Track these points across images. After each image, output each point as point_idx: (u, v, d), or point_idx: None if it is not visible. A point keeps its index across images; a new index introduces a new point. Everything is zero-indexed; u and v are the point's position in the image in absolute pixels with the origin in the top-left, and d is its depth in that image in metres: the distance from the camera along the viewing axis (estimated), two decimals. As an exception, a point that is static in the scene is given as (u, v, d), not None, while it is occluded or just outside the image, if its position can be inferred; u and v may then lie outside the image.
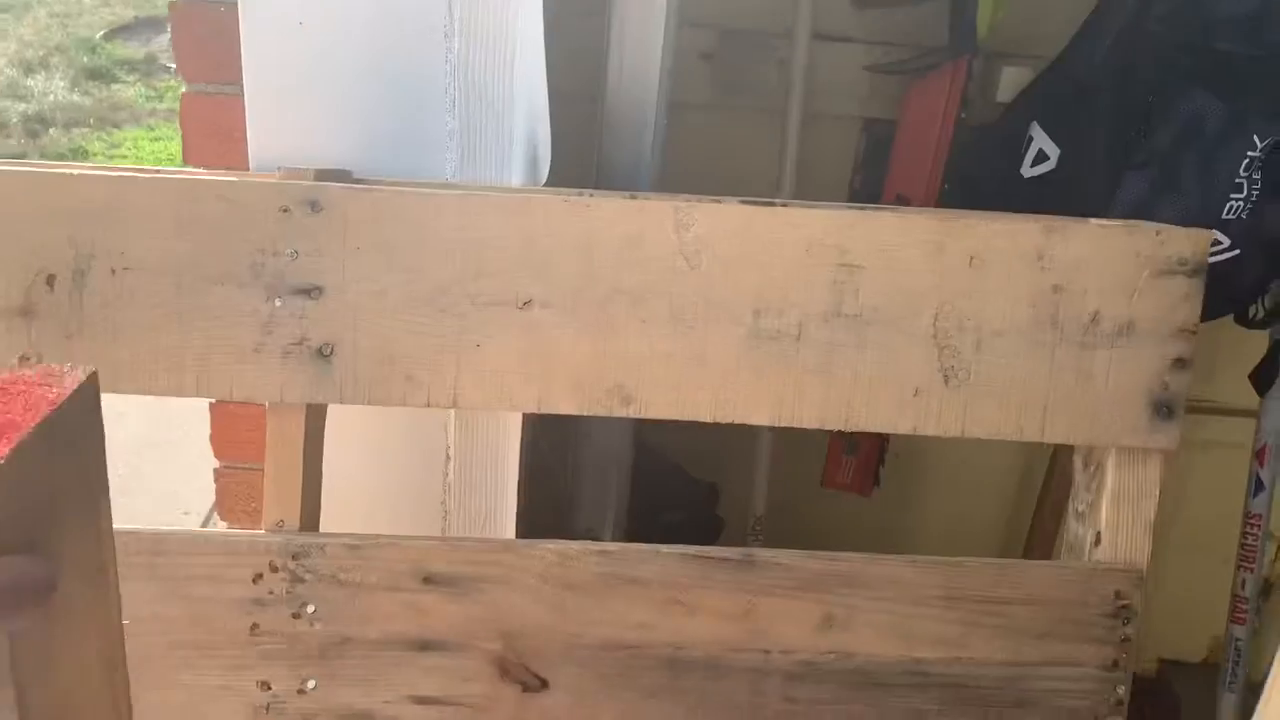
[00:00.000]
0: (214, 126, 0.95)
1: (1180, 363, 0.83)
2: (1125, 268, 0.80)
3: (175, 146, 5.24)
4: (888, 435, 1.56)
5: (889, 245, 0.80)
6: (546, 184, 0.90)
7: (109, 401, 0.47)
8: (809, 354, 0.81)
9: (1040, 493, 1.65)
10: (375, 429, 0.97)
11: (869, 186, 1.57)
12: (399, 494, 1.02)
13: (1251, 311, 1.46)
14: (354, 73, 0.87)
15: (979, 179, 1.45)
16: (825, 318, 0.80)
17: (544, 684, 0.85)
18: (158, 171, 0.82)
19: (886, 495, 1.65)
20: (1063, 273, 0.80)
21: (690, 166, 1.21)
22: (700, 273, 0.80)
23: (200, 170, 0.92)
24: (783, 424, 0.82)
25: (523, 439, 0.97)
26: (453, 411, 0.96)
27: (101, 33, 6.94)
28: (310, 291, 0.79)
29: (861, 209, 0.82)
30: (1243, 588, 1.54)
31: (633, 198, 0.82)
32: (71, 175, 0.79)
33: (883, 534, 1.73)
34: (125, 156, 5.08)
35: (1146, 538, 0.85)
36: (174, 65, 6.24)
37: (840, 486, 1.60)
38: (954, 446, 1.62)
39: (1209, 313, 1.32)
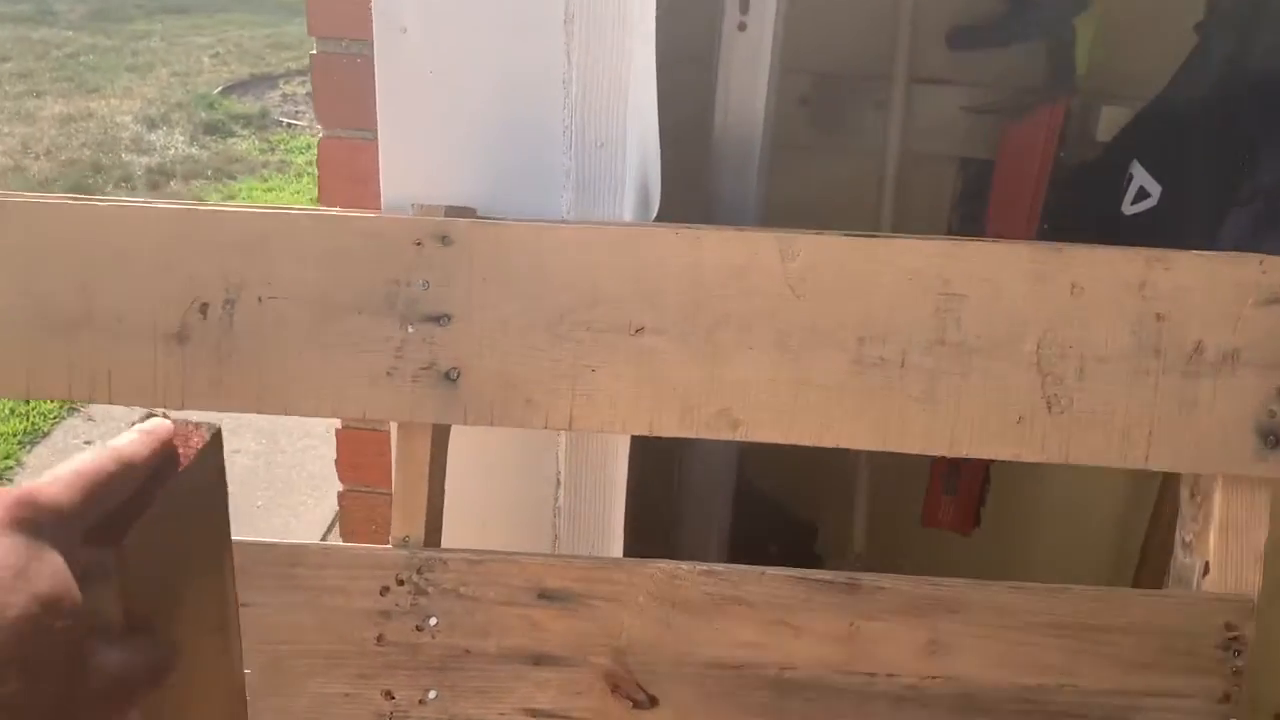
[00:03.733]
0: (348, 169, 1.02)
1: (1289, 392, 0.83)
2: (1228, 297, 0.81)
3: (287, 196, 5.48)
4: (989, 474, 1.56)
5: (991, 274, 0.83)
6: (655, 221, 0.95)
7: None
8: (912, 381, 0.83)
9: (1148, 527, 1.63)
10: (490, 453, 1.02)
11: (966, 225, 1.59)
12: (511, 516, 1.06)
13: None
14: (479, 117, 0.93)
15: (1079, 218, 1.45)
16: (928, 345, 0.83)
17: (653, 701, 0.88)
18: (301, 209, 0.89)
19: (986, 533, 1.64)
20: (1165, 301, 0.81)
21: (790, 207, 1.24)
22: (805, 301, 0.83)
23: (338, 209, 0.99)
24: (887, 449, 0.84)
25: (630, 465, 1.01)
26: (564, 438, 1.01)
27: (218, 89, 7.31)
28: (440, 319, 0.85)
29: (960, 240, 0.85)
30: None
31: (739, 230, 0.86)
32: (224, 212, 0.86)
33: (983, 572, 1.72)
34: (239, 206, 5.32)
35: (1257, 568, 0.85)
36: (285, 120, 6.51)
37: (940, 525, 1.60)
38: (1055, 483, 1.61)
39: None
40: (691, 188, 1.06)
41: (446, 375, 0.86)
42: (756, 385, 0.84)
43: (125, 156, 5.83)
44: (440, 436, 0.89)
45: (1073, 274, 0.82)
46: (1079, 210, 1.45)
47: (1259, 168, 1.25)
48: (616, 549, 1.04)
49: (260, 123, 6.67)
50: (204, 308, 0.86)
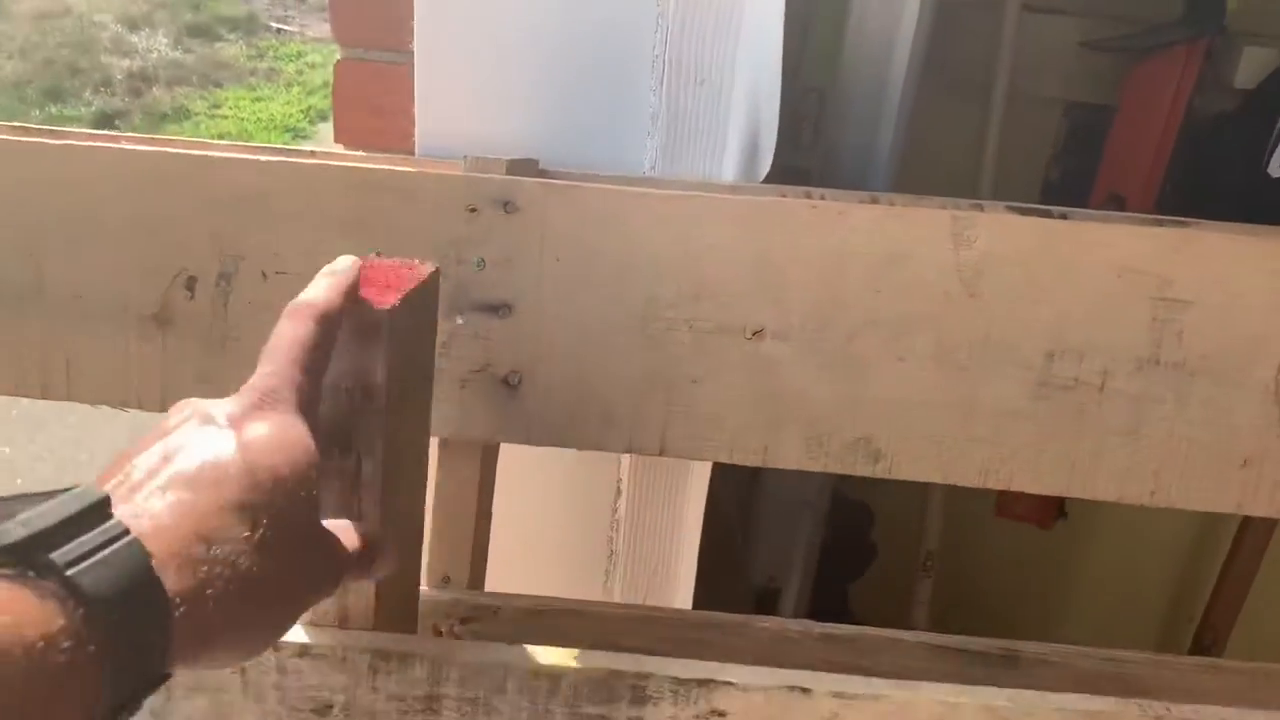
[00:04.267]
0: (372, 100, 0.81)
1: None
2: None
3: (277, 107, 5.19)
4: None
5: (1226, 275, 0.63)
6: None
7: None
8: (1114, 409, 0.64)
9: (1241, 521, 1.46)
10: (531, 477, 0.82)
11: (1069, 180, 1.38)
12: (557, 524, 0.87)
13: None
14: (545, 39, 0.72)
15: (1213, 178, 1.25)
16: (1139, 365, 0.64)
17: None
18: (315, 155, 0.68)
19: (1066, 527, 1.47)
20: None
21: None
22: (980, 302, 0.64)
23: (362, 155, 0.78)
24: (1072, 495, 0.66)
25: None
26: (626, 461, 0.81)
27: (204, -11, 6.93)
28: (498, 309, 0.65)
29: (1187, 225, 0.65)
30: None
31: (892, 204, 0.66)
32: (214, 158, 0.65)
33: (1064, 570, 1.55)
34: (227, 117, 5.04)
35: None
36: (275, 24, 6.18)
37: (1018, 517, 1.42)
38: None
39: None
40: (809, 141, 0.85)
41: (505, 381, 0.66)
42: (909, 409, 0.65)
43: (105, 59, 5.50)
44: (490, 457, 0.70)
45: (1329, 277, 0.63)
46: (1214, 169, 1.25)
47: None
48: (688, 579, 0.85)
49: (248, 26, 6.32)
50: (191, 282, 0.65)
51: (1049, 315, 0.64)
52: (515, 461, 0.72)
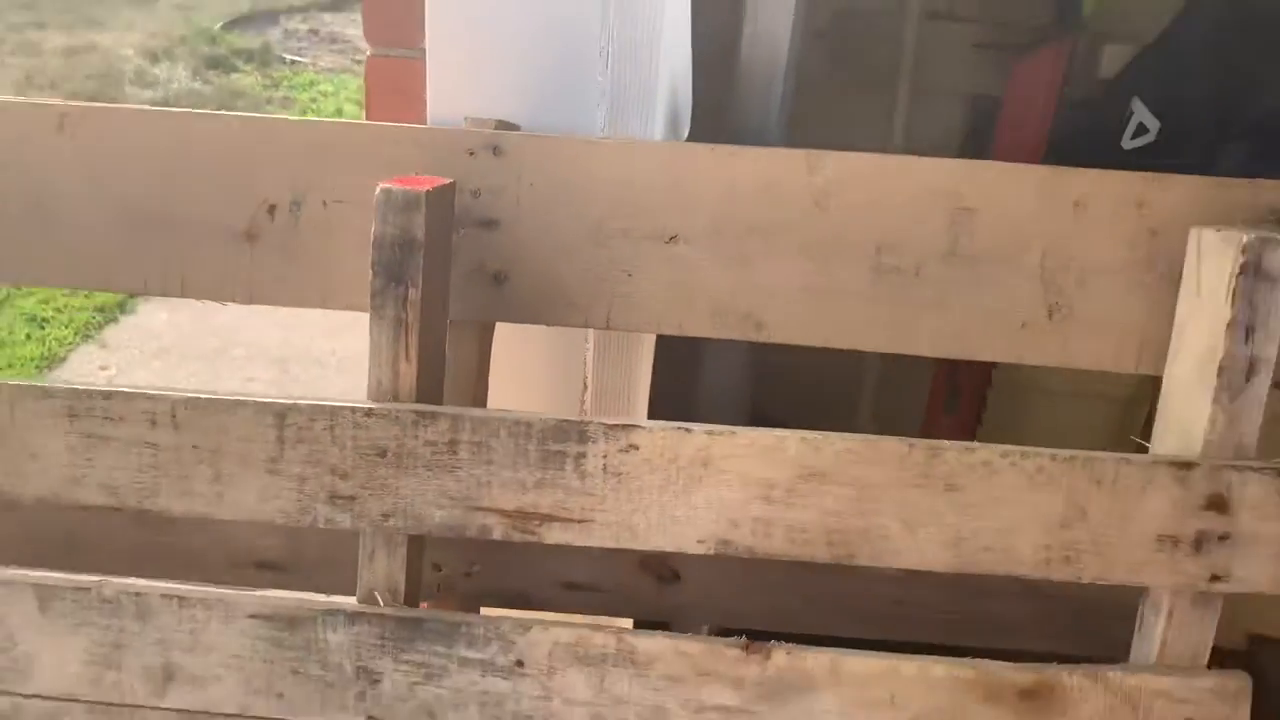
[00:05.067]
0: (395, 86, 1.08)
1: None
2: (1220, 216, 0.88)
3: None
4: (986, 396, 1.64)
5: (1000, 192, 0.90)
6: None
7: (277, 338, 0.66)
8: (927, 289, 0.90)
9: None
10: (520, 357, 1.09)
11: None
12: (540, 390, 1.13)
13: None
14: (522, 37, 0.99)
15: (1081, 152, 1.52)
16: (942, 256, 0.90)
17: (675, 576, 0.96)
18: (362, 122, 0.95)
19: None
20: (1160, 219, 0.88)
21: (804, 137, 1.30)
22: (829, 214, 0.90)
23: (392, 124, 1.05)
24: (901, 351, 0.92)
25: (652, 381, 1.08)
26: (592, 346, 1.08)
27: (220, 24, 7.27)
28: (489, 224, 0.92)
29: (976, 161, 0.91)
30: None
31: (769, 149, 0.93)
32: (291, 122, 0.93)
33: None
34: (245, 140, 5.34)
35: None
36: (288, 56, 6.46)
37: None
38: (1050, 408, 1.69)
39: None
40: (717, 118, 1.12)
41: (495, 277, 0.93)
42: (781, 291, 0.92)
43: (129, 89, 5.81)
44: (486, 333, 0.96)
45: (1076, 193, 0.89)
46: (1082, 146, 1.52)
47: (1254, 104, 1.32)
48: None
49: (263, 58, 6.65)
50: (272, 209, 0.92)
51: (879, 222, 0.90)
52: (508, 342, 0.99)
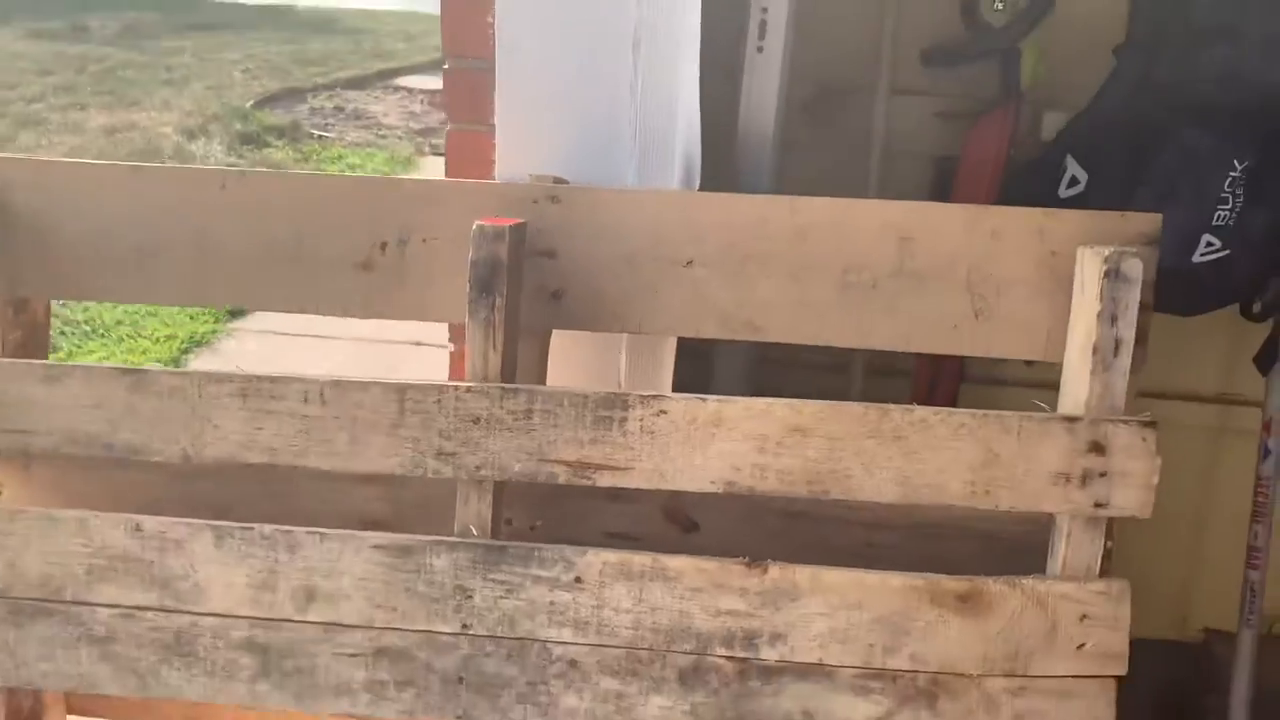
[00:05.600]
0: (469, 153, 1.38)
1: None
2: (1100, 239, 1.16)
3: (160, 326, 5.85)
4: (958, 388, 1.92)
5: (935, 225, 1.18)
6: (697, 190, 1.31)
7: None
8: (881, 299, 1.19)
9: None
10: (572, 356, 1.37)
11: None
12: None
13: (1255, 307, 1.79)
14: (571, 113, 1.29)
15: (1024, 201, 1.81)
16: (892, 274, 1.19)
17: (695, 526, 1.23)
18: (454, 180, 1.25)
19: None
20: (1057, 242, 1.17)
21: (792, 191, 1.60)
22: (807, 243, 1.19)
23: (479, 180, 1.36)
24: (862, 346, 1.20)
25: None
26: (624, 346, 1.36)
27: (250, 102, 7.70)
28: (549, 254, 1.21)
29: (916, 203, 1.21)
30: (1255, 539, 1.85)
31: (762, 196, 1.22)
32: (398, 180, 1.23)
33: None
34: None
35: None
36: (317, 132, 6.83)
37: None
38: (1009, 395, 1.95)
39: (1214, 304, 1.68)
40: (720, 176, 1.43)
41: (553, 295, 1.22)
42: (773, 303, 1.20)
43: (170, 165, 6.20)
44: (545, 339, 1.25)
45: (993, 225, 1.18)
46: (1025, 195, 1.81)
47: (1159, 158, 1.62)
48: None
49: (293, 134, 7.06)
50: (384, 246, 1.22)
51: (844, 249, 1.19)
52: (561, 344, 1.28)
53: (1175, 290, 1.66)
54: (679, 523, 1.24)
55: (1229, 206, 1.56)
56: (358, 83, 8.79)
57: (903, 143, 1.88)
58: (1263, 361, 1.80)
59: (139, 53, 9.03)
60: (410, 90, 8.65)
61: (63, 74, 8.21)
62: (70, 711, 1.35)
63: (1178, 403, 2.10)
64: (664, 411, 1.08)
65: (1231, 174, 1.54)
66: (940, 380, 1.90)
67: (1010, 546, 1.22)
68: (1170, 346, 2.03)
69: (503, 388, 1.09)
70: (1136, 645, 2.54)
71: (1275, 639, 2.19)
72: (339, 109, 8.01)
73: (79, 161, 1.29)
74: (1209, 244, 1.57)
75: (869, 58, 1.85)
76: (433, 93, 7.99)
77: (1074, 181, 1.73)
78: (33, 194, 1.25)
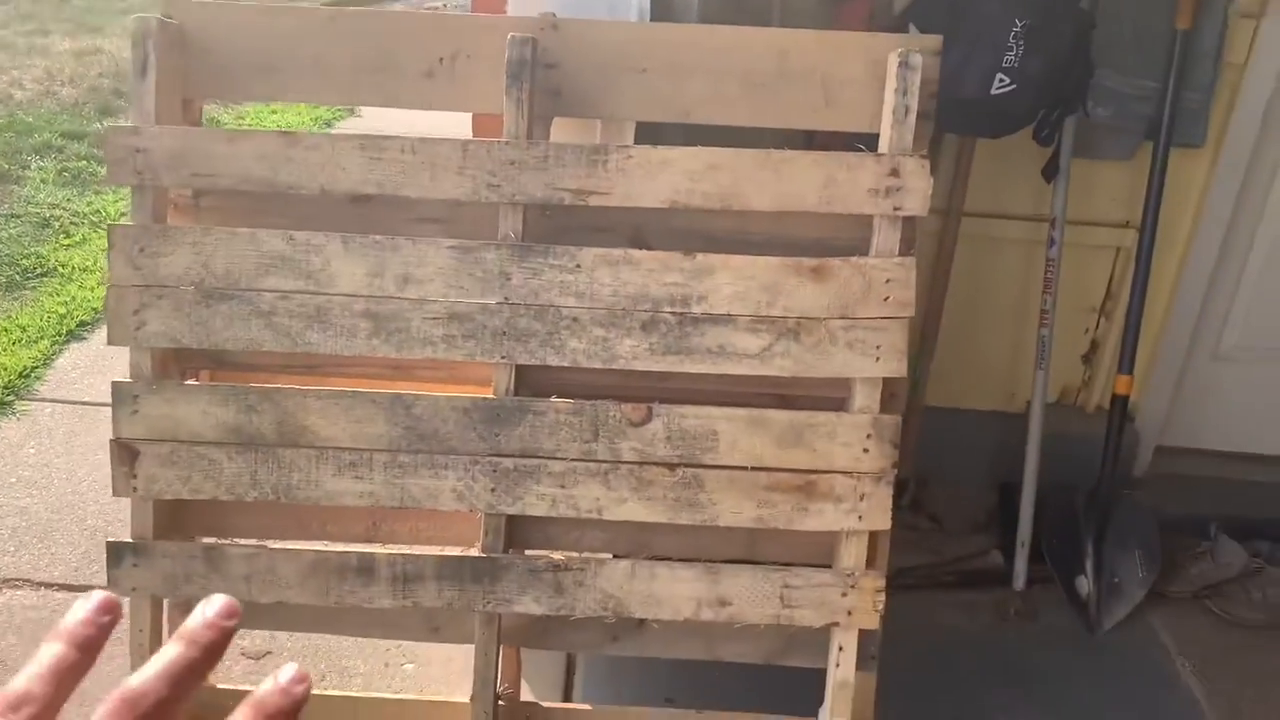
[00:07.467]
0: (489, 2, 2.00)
1: (923, 115, 1.85)
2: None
3: (292, 117, 6.35)
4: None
5: (803, 44, 1.84)
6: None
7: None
8: (770, 89, 1.85)
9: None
10: (563, 139, 2.01)
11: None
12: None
13: (1044, 132, 2.49)
14: (561, -24, 1.92)
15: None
16: (776, 75, 1.85)
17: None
18: (488, 16, 1.87)
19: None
20: (879, 54, 1.83)
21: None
22: (722, 56, 1.85)
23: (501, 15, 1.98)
24: (758, 124, 1.86)
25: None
26: (599, 131, 2.00)
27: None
28: (552, 65, 1.84)
29: (792, 30, 1.86)
30: (1045, 305, 2.57)
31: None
32: (450, 15, 1.85)
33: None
34: (250, 125, 6.19)
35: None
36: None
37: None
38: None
39: (1011, 129, 2.40)
40: (661, 14, 2.07)
41: (554, 92, 1.85)
42: (701, 94, 1.86)
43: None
44: (549, 124, 1.89)
45: (837, 43, 1.84)
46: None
47: (967, 20, 2.29)
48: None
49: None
50: (440, 60, 1.84)
51: (746, 59, 1.84)
52: (558, 131, 1.92)
53: (982, 117, 2.37)
54: (640, 245, 1.89)
55: (1014, 53, 2.24)
56: None
57: (795, 20, 2.52)
58: (1048, 171, 2.51)
59: (90, -16, 9.27)
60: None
61: (19, 3, 8.48)
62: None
63: (1002, 220, 2.81)
64: (631, 156, 1.74)
65: (1014, 30, 2.22)
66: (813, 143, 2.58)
67: (835, 249, 1.91)
68: (995, 177, 2.74)
69: (530, 140, 1.74)
70: (975, 416, 3.38)
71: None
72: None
73: (230, 4, 1.88)
74: (1000, 80, 2.26)
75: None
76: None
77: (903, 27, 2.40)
78: (200, 27, 1.85)
